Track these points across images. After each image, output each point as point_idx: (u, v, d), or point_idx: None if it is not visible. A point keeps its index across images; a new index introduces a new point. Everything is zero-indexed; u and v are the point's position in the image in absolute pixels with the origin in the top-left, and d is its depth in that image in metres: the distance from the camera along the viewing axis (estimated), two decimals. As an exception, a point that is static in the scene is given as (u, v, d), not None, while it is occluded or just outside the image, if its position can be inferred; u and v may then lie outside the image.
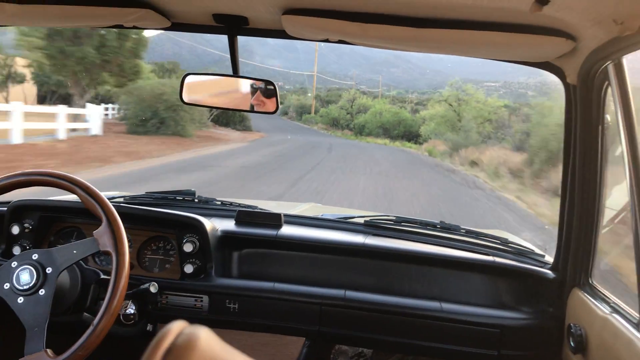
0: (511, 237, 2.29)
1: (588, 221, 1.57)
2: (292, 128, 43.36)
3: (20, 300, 1.38)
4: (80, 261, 1.61)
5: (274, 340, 1.82)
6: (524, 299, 1.78)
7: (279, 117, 52.92)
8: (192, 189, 2.24)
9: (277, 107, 1.62)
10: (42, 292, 1.38)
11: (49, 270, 1.40)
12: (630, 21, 1.02)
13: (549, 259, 1.84)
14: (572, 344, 1.52)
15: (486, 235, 1.99)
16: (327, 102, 55.34)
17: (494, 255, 1.86)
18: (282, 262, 1.91)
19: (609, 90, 1.35)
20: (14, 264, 1.41)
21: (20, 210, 1.87)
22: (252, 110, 1.66)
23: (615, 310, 1.40)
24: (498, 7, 1.16)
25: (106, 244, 1.42)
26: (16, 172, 1.52)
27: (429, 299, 1.78)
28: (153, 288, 1.69)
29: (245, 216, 2.02)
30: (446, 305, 1.74)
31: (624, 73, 1.23)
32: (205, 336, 0.33)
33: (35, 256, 1.42)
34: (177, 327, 0.34)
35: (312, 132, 41.87)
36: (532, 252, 1.90)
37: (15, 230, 1.83)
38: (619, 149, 1.28)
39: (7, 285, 1.39)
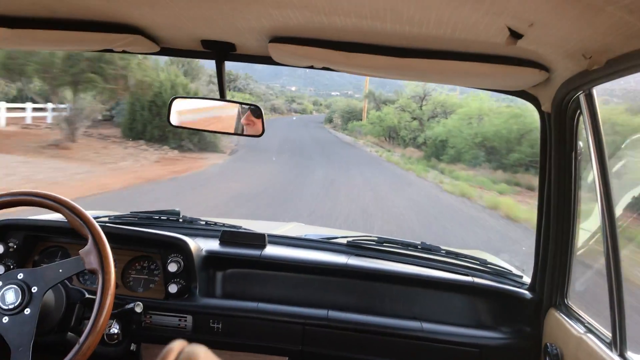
0: (490, 258, 2.35)
1: (564, 243, 1.62)
2: (323, 142, 28.94)
3: (5, 320, 1.37)
4: (65, 280, 1.62)
5: None
6: (502, 318, 1.83)
7: (319, 126, 47.62)
8: (177, 209, 2.25)
9: (263, 130, 1.66)
10: (27, 311, 1.38)
11: (34, 289, 1.40)
12: (597, 56, 1.08)
13: (527, 279, 1.89)
14: None
15: (466, 256, 2.03)
16: (384, 102, 34.50)
17: (473, 275, 1.91)
18: (266, 282, 1.93)
19: (581, 118, 1.42)
20: None
21: (4, 230, 1.87)
22: (239, 134, 1.69)
23: (589, 330, 1.45)
24: (476, 40, 1.22)
25: (92, 262, 1.43)
26: (2, 193, 1.53)
27: (410, 318, 1.82)
28: (138, 308, 1.69)
29: (230, 236, 2.04)
30: (427, 325, 1.78)
31: (595, 103, 1.30)
32: (204, 354, 0.36)
33: (20, 275, 1.42)
34: (178, 346, 0.37)
35: (351, 151, 25.50)
36: (510, 273, 1.95)
37: (0, 249, 1.83)
38: (591, 174, 1.34)
39: None
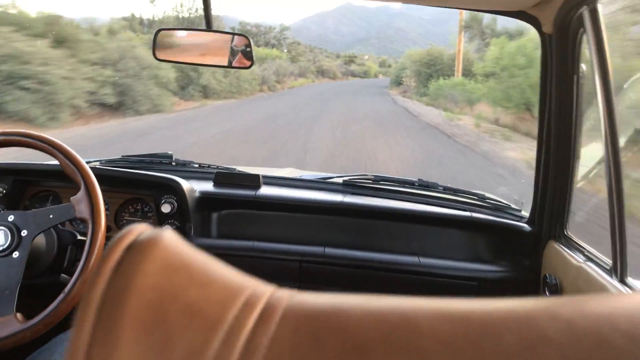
0: (489, 195, 2.32)
1: (564, 174, 1.58)
2: (376, 128, 13.68)
3: (16, 254, 1.36)
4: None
5: None
6: (501, 252, 1.81)
7: (380, 92, 32.14)
8: (169, 152, 2.21)
9: (252, 62, 1.59)
10: (15, 254, 1.36)
11: (24, 232, 1.37)
12: None
13: (526, 213, 1.86)
14: (547, 293, 1.55)
15: (464, 192, 2.01)
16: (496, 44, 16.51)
17: (471, 210, 1.88)
18: (262, 222, 1.90)
19: (584, 38, 1.35)
20: None
21: None
22: (228, 66, 1.62)
23: (589, 258, 1.43)
24: None
25: (83, 211, 1.39)
26: None
27: (408, 254, 1.80)
28: None
29: (224, 177, 2.00)
30: (424, 260, 1.76)
31: (599, 19, 1.22)
32: (168, 235, 0.32)
33: (11, 217, 1.39)
34: (139, 227, 0.32)
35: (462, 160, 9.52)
36: (509, 207, 1.92)
37: None
38: (594, 101, 1.28)
39: None
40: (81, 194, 1.41)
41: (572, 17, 1.34)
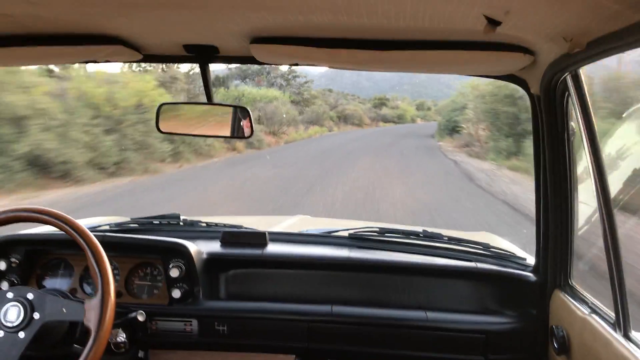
0: (496, 240, 2.33)
1: (563, 223, 1.61)
2: None
3: (0, 334, 1.40)
4: (68, 293, 1.63)
5: (265, 359, 1.84)
6: (507, 302, 1.82)
7: (424, 145, 22.72)
8: (177, 213, 2.26)
9: (252, 132, 1.65)
10: (21, 334, 1.40)
11: (36, 315, 1.42)
12: (578, 39, 1.06)
13: (531, 261, 1.87)
14: (555, 345, 1.56)
15: (468, 242, 2.02)
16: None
17: (476, 260, 1.90)
18: (269, 280, 1.93)
19: (570, 99, 1.40)
20: (10, 295, 1.43)
21: (5, 246, 1.89)
22: (230, 136, 1.69)
23: (594, 310, 1.44)
24: (455, 29, 1.20)
25: (90, 319, 1.42)
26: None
27: (415, 308, 1.81)
28: (140, 316, 1.70)
29: (230, 237, 2.04)
30: (431, 314, 1.77)
31: (582, 83, 1.27)
32: None
33: (30, 295, 1.44)
34: None
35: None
36: (514, 256, 1.94)
37: (3, 266, 1.85)
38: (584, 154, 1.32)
39: (0, 333, 1.41)
40: (96, 301, 1.43)
41: (557, 81, 1.39)
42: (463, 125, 21.35)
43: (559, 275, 1.66)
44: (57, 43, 1.43)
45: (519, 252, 2.01)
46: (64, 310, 1.43)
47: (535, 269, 1.80)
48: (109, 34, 1.41)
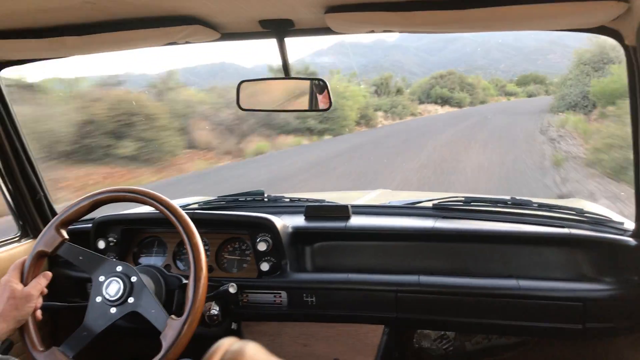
0: (588, 206, 2.20)
1: None
2: None
3: (98, 299, 1.50)
4: (163, 269, 1.72)
5: (354, 329, 1.86)
6: (605, 269, 1.71)
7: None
8: (261, 189, 2.31)
9: (331, 104, 1.65)
10: (113, 310, 1.49)
11: (130, 300, 1.50)
12: None
13: (630, 225, 1.75)
14: None
15: (560, 207, 1.92)
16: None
17: (569, 227, 1.80)
18: (354, 253, 1.93)
19: None
20: (119, 268, 1.53)
21: (104, 226, 2.02)
22: (309, 109, 1.70)
23: None
24: None
25: (166, 337, 1.45)
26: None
27: (505, 277, 1.75)
28: (232, 289, 1.77)
29: (314, 211, 2.06)
30: (523, 282, 1.71)
31: None
32: (251, 350, 0.36)
33: (134, 279, 1.52)
34: (225, 344, 0.37)
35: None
36: (610, 220, 1.81)
37: (102, 244, 1.98)
38: None
39: (102, 278, 1.51)
40: (178, 322, 1.46)
41: None
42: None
43: None
44: (137, 27, 1.48)
45: (616, 217, 1.88)
46: (153, 311, 1.49)
47: (635, 234, 1.68)
48: (187, 14, 1.45)
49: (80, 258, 1.55)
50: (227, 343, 0.38)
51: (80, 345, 1.45)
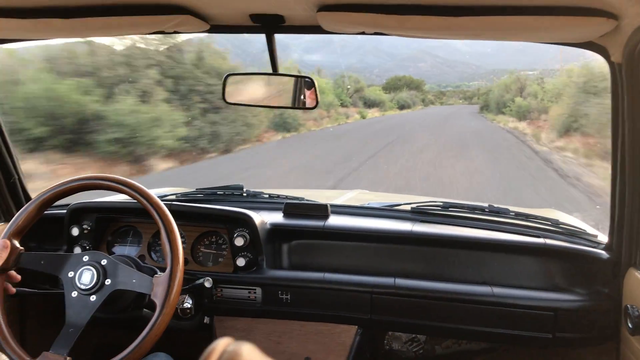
0: (563, 217, 2.24)
1: None
2: None
3: (74, 294, 1.47)
4: (137, 259, 1.70)
5: (327, 329, 1.86)
6: (577, 280, 1.75)
7: None
8: (241, 184, 2.30)
9: (317, 102, 1.64)
10: (93, 297, 1.46)
11: (107, 281, 1.48)
12: None
13: (603, 238, 1.79)
14: (630, 325, 1.49)
15: (536, 217, 1.95)
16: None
17: (544, 236, 1.83)
18: (331, 252, 1.94)
19: None
20: (86, 258, 1.50)
21: (78, 213, 1.98)
22: (294, 107, 1.69)
23: None
24: None
25: (157, 294, 1.45)
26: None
27: (480, 283, 1.78)
28: (207, 283, 1.76)
29: (293, 208, 2.06)
30: (497, 290, 1.73)
31: None
32: (247, 351, 0.36)
33: (104, 262, 1.50)
34: (221, 345, 0.37)
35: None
36: (584, 232, 1.86)
37: (75, 231, 1.94)
38: None
39: (71, 274, 1.49)
40: (164, 277, 1.46)
41: None
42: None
43: (635, 253, 1.58)
44: (126, 13, 1.45)
45: (589, 230, 1.92)
46: (134, 280, 1.48)
47: (608, 247, 1.72)
48: (177, 3, 1.43)
49: (42, 262, 1.52)
50: (224, 344, 0.37)
51: (71, 342, 1.42)
